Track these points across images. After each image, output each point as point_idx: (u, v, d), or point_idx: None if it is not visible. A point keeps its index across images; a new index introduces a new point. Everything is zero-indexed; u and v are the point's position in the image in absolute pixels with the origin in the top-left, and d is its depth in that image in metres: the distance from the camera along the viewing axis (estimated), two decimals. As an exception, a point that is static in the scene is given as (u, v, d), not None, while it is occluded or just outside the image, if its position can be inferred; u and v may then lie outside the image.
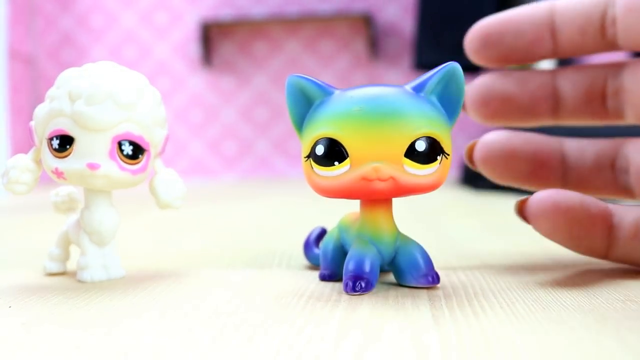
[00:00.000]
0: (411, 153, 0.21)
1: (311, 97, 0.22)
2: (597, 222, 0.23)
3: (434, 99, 0.22)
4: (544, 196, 0.22)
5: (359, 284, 0.22)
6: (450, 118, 0.22)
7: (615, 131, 0.28)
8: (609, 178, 0.25)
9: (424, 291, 0.23)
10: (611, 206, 0.24)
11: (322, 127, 0.21)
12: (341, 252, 0.25)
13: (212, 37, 2.32)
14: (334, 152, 0.21)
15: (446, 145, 0.22)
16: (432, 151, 0.21)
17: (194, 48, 2.32)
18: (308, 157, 0.22)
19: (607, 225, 0.23)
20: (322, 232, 0.30)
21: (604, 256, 0.24)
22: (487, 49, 0.25)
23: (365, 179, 0.21)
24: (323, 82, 0.22)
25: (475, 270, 0.27)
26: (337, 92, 0.22)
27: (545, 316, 0.19)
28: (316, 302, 0.21)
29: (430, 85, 0.22)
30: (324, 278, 0.25)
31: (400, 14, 2.21)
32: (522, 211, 0.23)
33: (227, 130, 2.33)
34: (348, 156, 0.21)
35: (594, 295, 0.21)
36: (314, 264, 0.29)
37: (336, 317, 0.19)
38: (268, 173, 2.29)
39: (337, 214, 0.27)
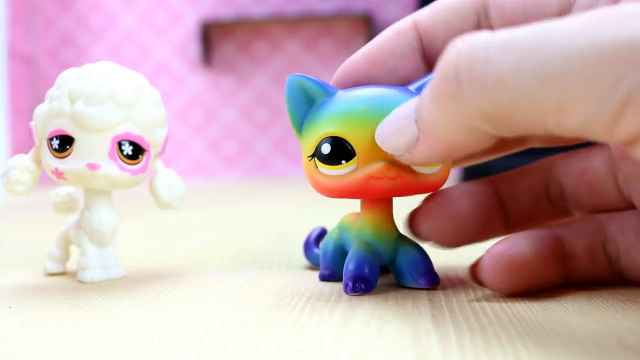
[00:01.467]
0: None
1: (312, 96, 0.22)
2: (552, 263, 0.21)
3: None
4: (495, 258, 0.21)
5: (359, 285, 0.22)
6: None
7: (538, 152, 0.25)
8: (547, 208, 0.24)
9: (424, 291, 0.23)
10: (560, 232, 0.22)
11: (327, 125, 0.21)
12: (341, 252, 0.25)
13: (212, 37, 2.32)
14: (340, 151, 0.21)
15: None
16: None
17: (193, 48, 2.32)
18: (312, 156, 0.22)
19: (561, 258, 0.22)
20: (322, 232, 0.30)
21: (563, 283, 0.22)
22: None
23: (373, 177, 0.21)
24: (325, 82, 0.22)
25: (475, 270, 0.27)
26: (340, 92, 0.22)
27: (546, 317, 0.19)
28: (316, 302, 0.21)
29: None
30: (323, 278, 0.25)
31: (400, 14, 2.21)
32: (475, 277, 0.22)
33: (227, 130, 2.33)
34: (355, 155, 0.21)
35: (594, 296, 0.21)
36: (314, 264, 0.29)
37: (336, 317, 0.19)
38: (268, 173, 2.29)
39: (338, 214, 0.27)
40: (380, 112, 0.21)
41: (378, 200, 0.23)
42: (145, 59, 2.33)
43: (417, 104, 0.18)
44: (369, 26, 2.17)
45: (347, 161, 0.21)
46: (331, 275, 0.25)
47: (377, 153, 0.20)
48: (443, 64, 0.17)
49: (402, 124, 0.19)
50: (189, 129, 2.33)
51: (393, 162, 0.20)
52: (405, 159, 0.20)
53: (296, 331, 0.18)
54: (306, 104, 0.22)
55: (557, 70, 0.14)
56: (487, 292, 0.22)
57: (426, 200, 0.24)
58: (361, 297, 0.22)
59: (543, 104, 0.15)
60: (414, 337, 0.17)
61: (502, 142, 0.25)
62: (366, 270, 0.22)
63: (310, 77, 0.22)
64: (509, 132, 0.16)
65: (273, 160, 2.31)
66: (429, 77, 0.22)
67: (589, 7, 0.20)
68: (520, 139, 0.24)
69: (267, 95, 2.30)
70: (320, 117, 0.22)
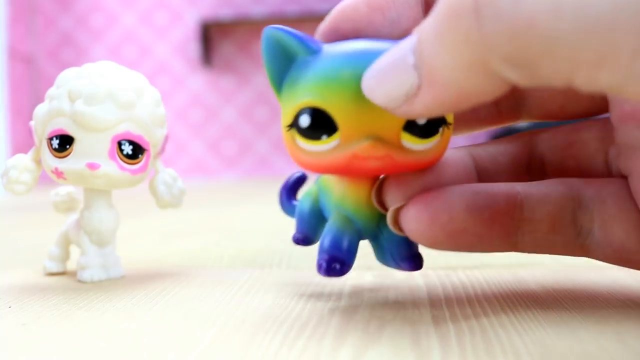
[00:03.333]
0: (411, 125, 0.18)
1: (292, 53, 0.19)
2: (493, 225, 0.19)
3: None
4: (419, 207, 0.18)
5: (334, 265, 0.19)
6: None
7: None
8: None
9: (424, 291, 0.23)
10: (521, 191, 0.19)
11: (307, 93, 0.18)
12: (319, 216, 0.22)
13: (212, 36, 2.32)
14: (321, 124, 0.18)
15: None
16: (434, 122, 0.18)
17: (193, 48, 2.32)
18: (291, 126, 0.19)
19: (511, 221, 0.19)
20: (302, 179, 0.26)
21: (510, 250, 0.20)
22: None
23: (357, 156, 0.18)
24: (307, 36, 0.19)
25: (475, 270, 0.27)
26: (324, 48, 0.19)
27: (546, 317, 0.19)
28: (316, 302, 0.21)
29: None
30: (297, 241, 0.23)
31: (400, 14, 2.20)
32: (396, 222, 0.19)
33: (227, 130, 2.33)
34: (338, 129, 0.18)
35: (594, 296, 0.21)
36: (289, 216, 0.26)
37: (336, 317, 0.19)
38: (268, 173, 2.29)
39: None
40: None
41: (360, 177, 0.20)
42: (145, 59, 2.33)
43: (415, 45, 0.16)
44: (369, 26, 2.17)
45: (328, 136, 0.18)
46: (305, 239, 0.22)
47: (363, 127, 0.18)
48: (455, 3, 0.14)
49: (397, 70, 0.16)
50: (189, 129, 2.33)
51: (380, 139, 0.18)
52: (402, 111, 0.17)
53: (296, 331, 0.18)
54: (286, 61, 0.19)
55: (604, 16, 0.12)
56: (487, 292, 0.22)
57: (414, 196, 0.19)
58: (361, 297, 0.22)
59: (580, 54, 0.13)
60: (414, 337, 0.17)
61: (497, 114, 0.23)
62: (344, 248, 0.20)
63: (289, 30, 0.19)
64: (531, 81, 0.14)
65: (273, 160, 2.31)
66: None
67: None
68: (515, 112, 0.23)
69: (267, 95, 2.30)
70: (299, 80, 0.19)
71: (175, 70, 2.34)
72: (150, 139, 0.26)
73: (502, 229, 0.19)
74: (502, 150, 0.22)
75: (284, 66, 0.19)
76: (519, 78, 0.14)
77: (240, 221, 0.58)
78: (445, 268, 0.28)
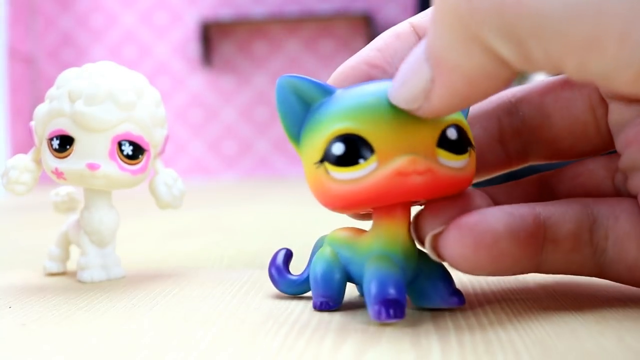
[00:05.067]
0: (443, 142, 0.18)
1: (308, 99, 0.19)
2: (527, 246, 0.19)
3: None
4: (463, 231, 0.18)
5: (391, 310, 0.18)
6: (463, 111, 0.20)
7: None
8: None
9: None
10: (543, 212, 0.19)
11: (336, 122, 0.18)
12: (338, 274, 0.20)
13: (212, 37, 2.32)
14: (357, 149, 0.18)
15: (471, 135, 0.19)
16: (464, 140, 0.18)
17: (193, 48, 2.32)
18: (322, 161, 0.18)
19: (539, 242, 0.19)
20: (289, 254, 0.24)
21: (533, 271, 0.20)
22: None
23: (400, 173, 0.17)
24: (321, 81, 0.19)
25: (475, 270, 0.27)
26: (339, 90, 0.19)
27: (546, 317, 0.19)
28: (316, 303, 0.21)
29: None
30: (321, 307, 0.20)
31: (399, 14, 2.21)
32: (436, 248, 0.19)
33: (227, 130, 2.33)
34: (374, 152, 0.17)
35: (594, 296, 0.21)
36: (290, 292, 0.23)
37: (336, 319, 0.19)
38: (268, 173, 2.29)
39: (337, 215, 0.27)
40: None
41: (395, 208, 0.19)
42: (145, 59, 2.33)
43: (426, 41, 0.16)
44: (369, 26, 2.17)
45: (365, 160, 0.17)
46: (332, 303, 0.20)
47: (400, 146, 0.17)
48: None
49: (412, 69, 0.17)
50: (189, 129, 2.33)
51: (419, 155, 0.17)
52: (423, 111, 0.17)
53: (296, 331, 0.18)
54: (302, 108, 0.19)
55: (592, 1, 0.12)
56: (488, 292, 0.22)
57: (453, 219, 0.19)
58: (361, 297, 0.22)
59: (568, 38, 0.13)
60: (414, 337, 0.17)
61: (505, 157, 0.23)
62: (393, 291, 0.18)
63: (303, 76, 0.19)
64: (526, 63, 0.14)
65: (273, 160, 2.31)
66: None
67: None
68: (523, 155, 0.23)
69: (267, 95, 2.30)
70: (324, 117, 0.19)
71: (175, 70, 2.34)
72: (151, 139, 0.26)
73: (532, 250, 0.19)
74: (514, 188, 0.23)
75: (301, 113, 0.19)
76: (513, 57, 0.14)
77: (240, 221, 0.58)
78: (445, 268, 0.28)
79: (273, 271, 0.23)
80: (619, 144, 0.21)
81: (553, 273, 0.20)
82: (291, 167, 2.26)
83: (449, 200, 0.19)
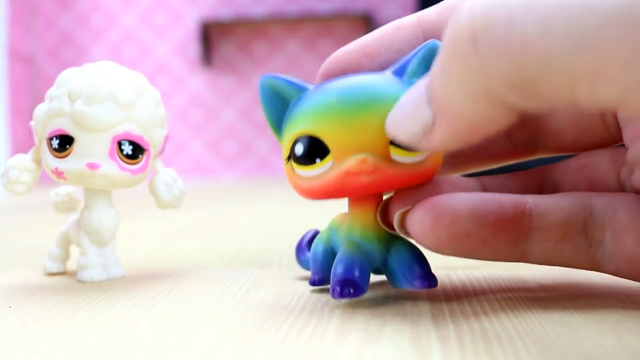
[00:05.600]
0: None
1: (286, 96, 0.21)
2: (501, 233, 0.19)
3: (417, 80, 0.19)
4: (424, 210, 0.18)
5: (348, 289, 0.20)
6: None
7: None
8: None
9: (424, 291, 0.23)
10: (531, 201, 0.19)
11: (299, 124, 0.20)
12: (332, 255, 0.23)
13: (212, 37, 2.32)
14: (314, 150, 0.19)
15: None
16: None
17: (193, 48, 2.32)
18: (289, 158, 0.20)
19: (520, 231, 0.19)
20: (315, 235, 0.28)
21: (519, 260, 0.20)
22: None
23: (349, 173, 0.19)
24: (297, 80, 0.21)
25: (475, 270, 0.27)
26: (311, 87, 0.21)
27: (546, 317, 0.19)
28: (316, 302, 0.21)
29: (411, 68, 0.20)
30: (314, 283, 0.23)
31: (399, 14, 2.21)
32: (403, 225, 0.19)
33: (227, 130, 2.33)
34: (329, 152, 0.19)
35: (594, 296, 0.21)
36: (306, 269, 0.27)
37: (336, 317, 0.19)
38: (268, 173, 2.29)
39: (337, 212, 0.27)
40: (352, 103, 0.19)
41: (365, 197, 0.21)
42: (145, 59, 2.33)
43: (427, 83, 0.17)
44: (369, 26, 2.17)
45: (321, 159, 0.19)
46: (321, 280, 0.23)
47: (353, 147, 0.19)
48: (453, 30, 0.15)
49: (413, 108, 0.17)
50: (189, 129, 2.33)
51: (370, 155, 0.19)
52: (422, 146, 0.18)
53: (296, 331, 0.18)
54: (281, 105, 0.21)
55: (591, 31, 0.12)
56: (488, 292, 0.22)
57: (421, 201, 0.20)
58: (361, 297, 0.22)
59: (575, 70, 0.13)
60: (414, 337, 0.17)
61: (512, 149, 0.23)
62: (356, 273, 0.20)
63: (280, 76, 0.21)
64: (534, 102, 0.15)
65: (273, 160, 2.31)
66: (407, 58, 0.20)
67: None
68: (530, 148, 0.23)
69: (267, 95, 2.30)
70: (292, 116, 0.20)
71: (175, 70, 2.34)
72: (150, 139, 0.26)
73: (509, 237, 0.19)
74: (512, 178, 0.23)
75: (280, 109, 0.21)
76: (522, 101, 0.15)
77: (240, 221, 0.58)
78: (445, 268, 0.28)
79: (296, 247, 0.27)
80: (626, 137, 0.20)
81: (543, 263, 0.20)
82: (291, 167, 2.26)
83: (417, 187, 0.20)
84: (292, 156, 0.20)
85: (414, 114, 0.17)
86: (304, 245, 0.27)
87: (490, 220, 0.19)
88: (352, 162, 0.19)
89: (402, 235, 0.20)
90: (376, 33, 0.22)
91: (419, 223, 0.19)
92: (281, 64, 2.29)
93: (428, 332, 0.17)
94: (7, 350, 0.17)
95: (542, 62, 0.13)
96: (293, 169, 0.20)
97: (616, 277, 0.24)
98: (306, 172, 0.20)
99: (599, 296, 0.21)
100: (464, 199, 0.19)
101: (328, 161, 0.19)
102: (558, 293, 0.22)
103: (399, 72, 0.20)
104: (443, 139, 0.17)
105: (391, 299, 0.21)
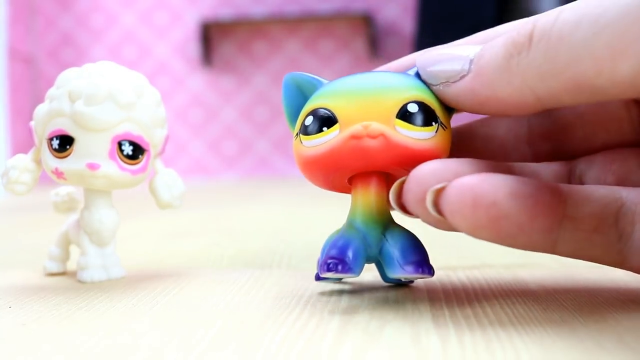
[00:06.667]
0: (403, 114, 0.20)
1: (307, 91, 0.22)
2: (538, 217, 0.18)
3: None
4: (463, 186, 0.17)
5: (335, 265, 0.19)
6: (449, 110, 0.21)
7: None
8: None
9: (424, 291, 0.23)
10: (565, 189, 0.19)
11: (311, 102, 0.21)
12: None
13: (212, 37, 2.31)
14: (323, 120, 0.20)
15: (442, 116, 0.20)
16: (426, 115, 0.20)
17: (193, 48, 2.32)
18: (298, 134, 0.21)
19: (555, 218, 0.19)
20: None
21: (549, 251, 0.19)
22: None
23: (354, 136, 0.19)
24: (319, 77, 0.22)
25: (475, 270, 0.27)
26: (326, 81, 0.22)
27: (546, 317, 0.19)
28: (316, 302, 0.21)
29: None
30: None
31: (399, 14, 2.21)
32: (437, 204, 0.18)
33: (227, 130, 2.33)
34: (337, 122, 0.20)
35: (594, 296, 0.21)
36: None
37: (336, 318, 0.19)
38: (268, 173, 2.29)
39: (338, 214, 0.27)
40: (366, 84, 0.20)
41: (368, 180, 0.21)
42: (145, 59, 2.33)
43: (479, 48, 0.19)
44: (369, 26, 2.17)
45: (328, 127, 0.20)
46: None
47: (360, 116, 0.20)
48: (522, 25, 0.17)
49: (454, 57, 0.19)
50: (189, 129, 2.33)
51: (375, 123, 0.19)
52: (438, 89, 0.20)
53: (296, 331, 0.18)
54: (301, 100, 0.22)
55: (612, 17, 0.15)
56: (488, 292, 0.22)
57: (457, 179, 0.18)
58: (361, 297, 0.22)
59: (596, 52, 0.15)
60: (414, 337, 0.17)
61: (533, 158, 0.23)
62: (349, 254, 0.20)
63: (305, 73, 0.22)
64: (564, 92, 0.17)
65: (273, 160, 2.31)
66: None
67: None
68: (552, 155, 0.23)
69: (267, 95, 2.30)
70: (308, 102, 0.22)
71: (175, 70, 2.34)
72: (151, 139, 0.26)
73: (545, 222, 0.18)
74: (543, 166, 0.23)
75: (300, 104, 0.22)
76: (549, 94, 0.17)
77: (240, 221, 0.58)
78: (445, 268, 0.28)
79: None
80: None
81: (571, 255, 0.19)
82: (291, 167, 2.26)
83: (443, 165, 0.19)
84: (302, 130, 0.21)
85: (452, 59, 0.19)
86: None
87: (530, 203, 0.18)
88: (357, 126, 0.19)
89: (430, 216, 0.19)
90: (479, 38, 0.22)
91: (457, 202, 0.17)
92: (281, 64, 2.29)
93: (428, 332, 0.17)
94: (7, 350, 0.17)
95: (572, 50, 0.16)
96: (301, 142, 0.21)
97: (617, 277, 0.24)
98: (313, 141, 0.20)
99: (599, 296, 0.21)
100: (504, 179, 0.18)
101: (334, 129, 0.20)
102: (558, 293, 0.22)
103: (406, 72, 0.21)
104: (462, 91, 0.19)
105: (391, 300, 0.21)
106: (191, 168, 2.32)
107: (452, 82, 0.19)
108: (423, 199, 0.18)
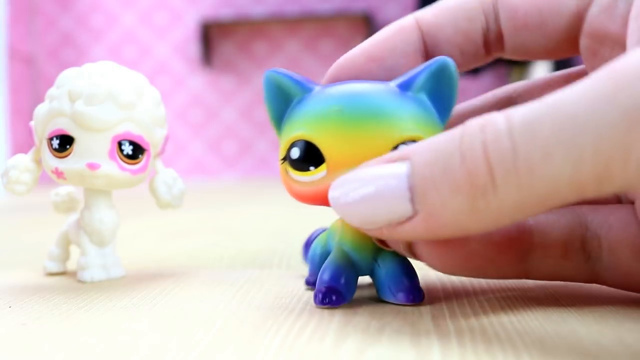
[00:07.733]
0: None
1: (289, 94, 0.21)
2: (506, 250, 0.19)
3: (424, 97, 0.20)
4: None
5: (330, 296, 0.20)
6: (442, 117, 0.20)
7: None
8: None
9: (424, 291, 0.23)
10: (531, 221, 0.20)
11: (298, 128, 0.20)
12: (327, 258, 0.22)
13: (212, 37, 2.32)
14: (309, 156, 0.19)
15: None
16: None
17: (193, 48, 2.32)
18: (284, 160, 0.20)
19: (523, 248, 0.19)
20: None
21: (522, 277, 0.20)
22: None
23: None
24: (302, 78, 0.21)
25: (475, 270, 0.27)
26: (316, 88, 0.20)
27: (546, 317, 0.19)
28: (316, 302, 0.21)
29: (418, 83, 0.20)
30: (308, 283, 0.24)
31: (400, 14, 2.21)
32: (411, 249, 0.19)
33: (227, 130, 2.33)
34: (324, 161, 0.19)
35: (594, 296, 0.21)
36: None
37: (336, 318, 0.19)
38: (268, 173, 2.29)
39: (334, 215, 0.27)
40: (353, 114, 0.19)
41: None
42: (145, 59, 2.33)
43: (410, 177, 0.16)
44: (369, 26, 2.17)
45: (315, 167, 0.19)
46: (315, 282, 0.22)
47: (349, 159, 0.19)
48: (470, 158, 0.15)
49: (385, 199, 0.16)
50: (189, 129, 2.33)
51: None
52: (382, 233, 0.17)
53: (296, 331, 0.18)
54: (284, 102, 0.21)
55: (589, 146, 0.13)
56: (488, 292, 0.22)
57: None
58: (361, 297, 0.22)
59: (580, 182, 0.14)
60: (414, 337, 0.17)
61: (485, 55, 0.22)
62: (342, 281, 0.20)
63: (286, 72, 0.21)
64: (557, 206, 0.15)
65: (273, 160, 2.31)
66: (415, 72, 0.20)
67: (607, 5, 0.18)
68: (500, 48, 0.22)
69: (267, 95, 2.30)
70: (293, 117, 0.20)
71: (175, 70, 2.34)
72: (151, 139, 0.26)
73: (514, 255, 0.19)
74: (558, 220, 0.22)
75: (282, 106, 0.21)
76: (526, 217, 0.15)
77: (240, 221, 0.58)
78: (445, 268, 0.28)
79: (304, 244, 0.27)
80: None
81: (545, 279, 0.20)
82: (291, 167, 2.26)
83: None
84: (287, 158, 0.20)
85: (384, 204, 0.16)
86: (311, 243, 0.27)
87: (496, 239, 0.19)
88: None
89: (408, 257, 0.20)
90: (379, 36, 0.22)
91: (430, 245, 0.18)
92: (281, 64, 2.29)
93: (428, 332, 0.17)
94: (7, 350, 0.17)
95: (549, 183, 0.14)
96: (287, 171, 0.20)
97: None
98: (300, 177, 0.20)
99: (599, 296, 0.21)
100: None
101: (322, 170, 0.19)
102: (558, 293, 0.22)
103: (405, 86, 0.20)
104: (416, 234, 0.16)
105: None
106: (191, 168, 2.32)
107: (397, 225, 0.17)
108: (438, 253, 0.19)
